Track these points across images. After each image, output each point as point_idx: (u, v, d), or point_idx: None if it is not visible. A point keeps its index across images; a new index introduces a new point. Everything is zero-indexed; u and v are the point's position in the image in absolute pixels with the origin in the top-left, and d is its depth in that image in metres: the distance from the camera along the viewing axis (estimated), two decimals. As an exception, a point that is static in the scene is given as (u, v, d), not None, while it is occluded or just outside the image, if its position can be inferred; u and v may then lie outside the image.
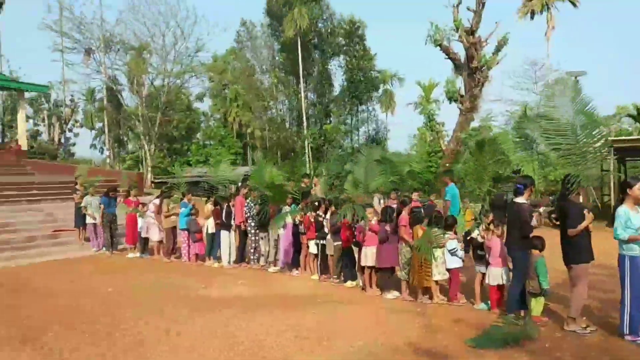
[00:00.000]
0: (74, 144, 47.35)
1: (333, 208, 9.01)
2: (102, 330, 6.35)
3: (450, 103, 27.26)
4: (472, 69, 25.85)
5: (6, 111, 34.88)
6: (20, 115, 24.17)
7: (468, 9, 26.99)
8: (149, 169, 29.69)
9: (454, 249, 7.34)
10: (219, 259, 10.88)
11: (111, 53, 28.99)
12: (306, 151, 32.89)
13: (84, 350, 5.65)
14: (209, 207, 10.92)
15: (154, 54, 31.33)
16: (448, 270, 7.40)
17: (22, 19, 70.68)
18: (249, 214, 10.34)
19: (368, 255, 8.04)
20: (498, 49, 26.09)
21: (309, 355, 5.38)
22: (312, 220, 9.19)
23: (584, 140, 6.18)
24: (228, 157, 38.55)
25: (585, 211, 6.01)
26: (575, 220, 5.91)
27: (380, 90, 41.06)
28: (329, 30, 35.45)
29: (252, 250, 10.55)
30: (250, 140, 47.12)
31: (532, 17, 28.57)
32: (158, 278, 9.63)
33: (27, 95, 38.69)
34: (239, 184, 11.25)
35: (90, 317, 6.98)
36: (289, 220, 9.74)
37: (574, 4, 26.82)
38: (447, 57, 27.16)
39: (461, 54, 26.78)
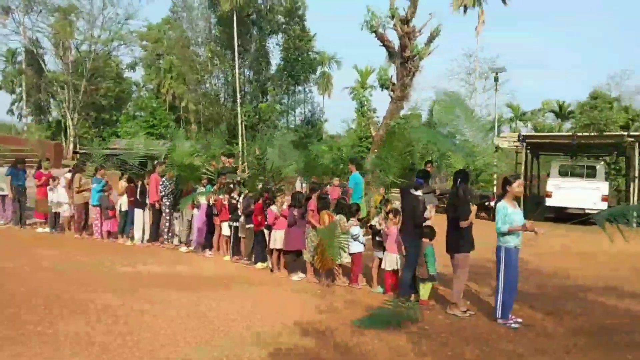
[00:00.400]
0: (-3, 106, 44.39)
1: (247, 191, 9.13)
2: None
3: (382, 90, 27.84)
4: (404, 58, 26.50)
5: None
6: None
7: (404, -4, 27.57)
8: (71, 139, 28.36)
9: (356, 234, 7.69)
10: (132, 237, 10.74)
11: (32, 14, 27.13)
12: (239, 129, 32.61)
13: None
14: (123, 183, 10.72)
15: (80, 18, 29.71)
16: (351, 254, 7.76)
17: None
18: (163, 193, 10.25)
19: (277, 239, 8.28)
20: (430, 40, 26.82)
21: (194, 336, 5.48)
22: (225, 202, 9.27)
23: (471, 140, 6.69)
24: (147, 130, 37.46)
25: (473, 206, 6.50)
26: (463, 212, 6.38)
27: (318, 72, 41.25)
28: (268, 7, 35.03)
29: (165, 230, 10.50)
30: (184, 113, 46.04)
31: (465, 11, 29.58)
32: (63, 254, 9.39)
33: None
34: (155, 161, 11.06)
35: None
36: (203, 200, 9.77)
37: (504, 2, 28.07)
38: (381, 44, 27.66)
39: (395, 42, 27.40)
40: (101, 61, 37.29)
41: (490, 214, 16.59)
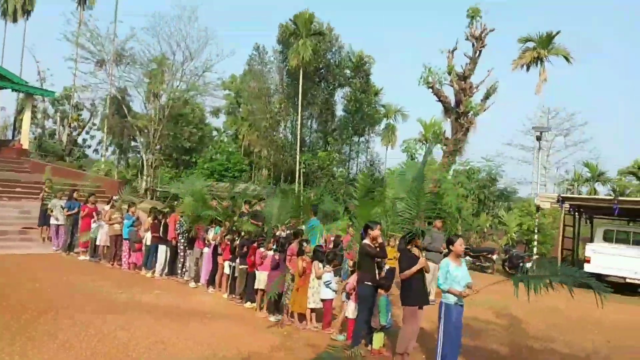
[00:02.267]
0: (89, 146, 49.39)
1: (243, 234, 9.86)
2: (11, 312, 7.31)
3: (435, 144, 28.03)
4: (459, 114, 26.73)
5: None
6: (26, 117, 25.81)
7: (465, 55, 28.05)
8: (144, 177, 31.02)
9: (327, 281, 8.10)
10: (153, 270, 11.78)
11: (121, 65, 30.64)
12: (296, 175, 33.92)
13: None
14: (149, 220, 11.88)
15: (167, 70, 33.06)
16: (322, 300, 8.16)
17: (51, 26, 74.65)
18: (179, 231, 11.26)
19: (261, 280, 8.88)
20: (486, 97, 26.97)
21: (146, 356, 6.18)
22: (227, 243, 10.05)
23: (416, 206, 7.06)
24: (222, 172, 39.72)
25: (422, 259, 6.73)
26: (404, 267, 6.65)
27: (383, 124, 42.08)
28: (336, 63, 36.77)
29: (180, 265, 11.44)
30: (257, 159, 48.50)
31: (527, 69, 29.31)
32: (85, 280, 10.55)
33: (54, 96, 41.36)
34: (174, 202, 12.17)
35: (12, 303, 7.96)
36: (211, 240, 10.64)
37: (567, 60, 27.51)
38: (438, 99, 28.12)
39: (452, 98, 27.74)
40: (177, 109, 40.93)
41: (492, 267, 16.12)
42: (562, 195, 16.39)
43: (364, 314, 7.07)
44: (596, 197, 19.95)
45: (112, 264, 12.67)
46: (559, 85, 70.81)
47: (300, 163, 33.61)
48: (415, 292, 6.67)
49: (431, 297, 11.52)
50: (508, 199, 23.79)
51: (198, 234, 10.90)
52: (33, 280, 10.11)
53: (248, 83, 44.48)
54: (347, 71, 37.58)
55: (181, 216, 11.38)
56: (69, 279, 10.59)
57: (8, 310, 7.71)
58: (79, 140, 46.36)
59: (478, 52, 27.56)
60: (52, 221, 14.28)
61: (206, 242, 10.71)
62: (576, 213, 19.45)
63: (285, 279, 8.51)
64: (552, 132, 35.86)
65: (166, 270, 11.65)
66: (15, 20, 35.87)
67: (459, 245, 6.46)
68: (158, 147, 37.78)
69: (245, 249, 9.46)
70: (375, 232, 6.95)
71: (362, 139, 38.50)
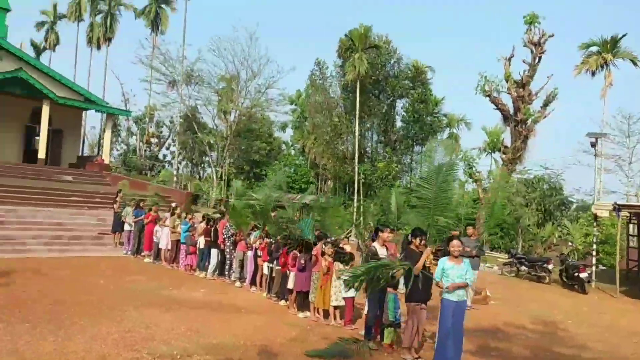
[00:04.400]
0: (169, 162, 53.07)
1: (279, 238, 10.70)
2: (67, 304, 8.61)
3: (493, 153, 27.62)
4: (517, 122, 26.23)
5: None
6: (107, 135, 28.53)
7: (524, 61, 27.53)
8: (214, 189, 33.02)
9: (348, 280, 8.71)
10: (206, 271, 12.94)
11: (191, 85, 33.02)
12: (355, 185, 34.59)
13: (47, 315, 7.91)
14: (202, 225, 13.07)
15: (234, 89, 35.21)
16: (344, 298, 8.78)
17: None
18: (226, 235, 12.33)
19: (291, 280, 9.66)
20: (546, 104, 26.25)
21: (175, 343, 7.13)
22: (264, 246, 10.95)
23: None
24: (289, 184, 41.21)
25: (425, 255, 7.17)
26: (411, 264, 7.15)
27: (443, 134, 41.81)
28: (395, 73, 37.23)
29: (227, 267, 12.49)
30: (323, 170, 49.81)
31: (593, 75, 28.23)
32: (144, 280, 11.84)
33: (134, 115, 45.27)
34: (223, 209, 13.27)
35: (65, 296, 9.32)
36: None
37: (635, 63, 26.23)
38: (495, 107, 27.73)
39: (510, 105, 27.26)
40: (257, 124, 43.24)
41: (581, 285, 15.67)
42: (617, 203, 15.84)
43: (372, 310, 7.63)
44: (654, 204, 18.90)
45: (172, 266, 14.00)
46: (622, 88, 66.37)
47: (359, 174, 34.28)
48: (417, 289, 7.12)
49: (469, 303, 11.81)
50: (568, 208, 22.99)
51: (240, 238, 11.89)
52: (98, 277, 11.55)
53: (311, 97, 45.92)
54: (407, 82, 37.94)
55: (229, 222, 12.46)
56: (130, 278, 11.95)
57: (66, 300, 9.04)
58: (160, 156, 50.04)
59: (537, 58, 26.94)
60: (126, 227, 15.95)
61: (247, 245, 11.67)
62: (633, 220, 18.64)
63: (311, 278, 9.24)
64: (634, 139, 33.95)
65: (217, 272, 12.75)
66: (99, 47, 39.68)
67: (452, 246, 6.90)
68: (229, 160, 40.15)
69: (279, 252, 10.29)
70: (384, 234, 7.51)
71: (423, 149, 38.63)
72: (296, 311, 9.53)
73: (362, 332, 8.20)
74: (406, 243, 7.45)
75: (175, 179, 32.11)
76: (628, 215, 17.65)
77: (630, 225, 19.14)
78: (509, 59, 27.49)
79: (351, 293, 8.71)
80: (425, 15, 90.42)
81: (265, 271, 11.04)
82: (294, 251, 9.65)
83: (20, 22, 68.47)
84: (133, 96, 53.02)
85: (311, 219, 9.46)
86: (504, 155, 26.90)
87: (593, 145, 17.32)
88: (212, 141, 34.57)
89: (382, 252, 7.72)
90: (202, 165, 43.50)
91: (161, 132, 50.02)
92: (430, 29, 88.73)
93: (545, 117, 26.12)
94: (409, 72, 37.62)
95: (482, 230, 24.12)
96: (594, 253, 17.49)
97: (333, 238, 11.34)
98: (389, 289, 7.60)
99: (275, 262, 10.49)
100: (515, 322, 10.41)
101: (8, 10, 27.79)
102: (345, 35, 35.14)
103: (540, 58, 27.12)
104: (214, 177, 34.25)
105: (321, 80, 42.15)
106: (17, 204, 17.69)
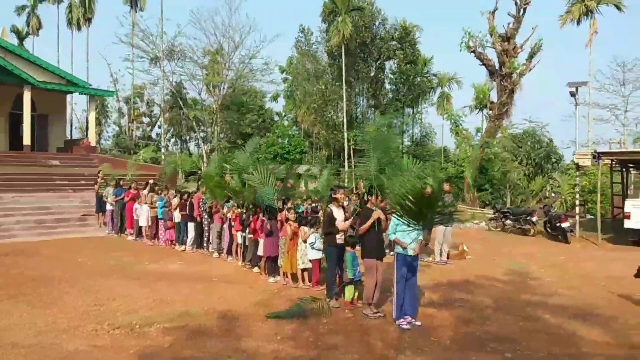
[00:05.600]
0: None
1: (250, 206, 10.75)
2: (42, 280, 8.77)
3: (480, 110, 27.45)
4: (503, 76, 25.96)
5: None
6: (91, 116, 28.36)
7: (508, 14, 27.06)
8: (204, 165, 33.10)
9: (312, 242, 8.80)
10: (185, 244, 13.07)
11: (173, 61, 32.67)
12: (345, 152, 34.53)
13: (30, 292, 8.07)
14: (175, 200, 13.14)
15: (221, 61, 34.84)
16: (310, 260, 8.89)
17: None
18: (203, 208, 12.40)
19: (260, 246, 9.76)
20: (531, 56, 25.96)
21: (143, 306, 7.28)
22: (236, 216, 11.01)
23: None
24: (284, 155, 41.21)
25: (375, 214, 7.21)
26: (362, 222, 7.21)
27: (434, 94, 41.46)
28: (380, 36, 36.63)
29: (205, 239, 12.61)
30: (315, 140, 49.64)
31: (578, 23, 27.74)
32: (122, 256, 11.96)
33: (123, 95, 45.04)
34: (198, 182, 13.31)
35: (42, 274, 9.49)
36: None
37: (618, 8, 25.69)
38: (481, 63, 27.42)
39: (495, 60, 26.94)
40: (247, 96, 42.89)
41: (564, 235, 15.78)
42: (596, 150, 15.78)
43: (330, 269, 7.75)
44: (633, 149, 18.77)
45: (153, 242, 14.14)
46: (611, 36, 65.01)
47: (349, 140, 34.18)
48: (372, 246, 7.20)
49: (443, 258, 11.94)
50: (559, 161, 22.89)
51: (217, 209, 11.95)
52: (77, 256, 11.70)
53: (298, 65, 45.38)
54: (394, 43, 37.37)
55: (204, 194, 12.51)
56: (109, 255, 12.08)
57: (42, 277, 9.20)
58: (153, 135, 49.92)
59: (522, 10, 26.48)
60: (108, 207, 16.05)
61: (222, 216, 11.74)
62: (624, 169, 18.56)
63: (279, 243, 9.34)
64: (629, 87, 33.45)
65: (196, 245, 12.88)
66: (79, 28, 39.11)
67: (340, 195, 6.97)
68: (222, 135, 40.02)
69: (249, 220, 10.36)
70: (338, 195, 7.55)
71: (416, 110, 38.34)
72: (267, 277, 9.66)
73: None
74: (363, 201, 7.49)
75: (162, 156, 32.10)
76: (610, 162, 17.57)
77: (614, 173, 19.10)
78: (493, 13, 27.07)
79: (316, 255, 8.84)
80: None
81: (239, 240, 11.15)
82: (261, 217, 9.71)
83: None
84: (121, 76, 52.80)
85: (269, 187, 9.46)
86: (490, 111, 26.78)
87: (573, 94, 17.09)
88: (199, 116, 34.37)
89: (338, 214, 7.76)
90: (191, 141, 43.46)
91: (152, 110, 49.82)
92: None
93: (530, 69, 25.85)
94: (396, 32, 37.02)
95: (470, 187, 24.36)
96: (577, 202, 17.52)
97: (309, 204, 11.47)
98: (347, 248, 7.69)
99: (247, 231, 10.58)
100: (487, 275, 10.50)
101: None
102: (328, -2, 34.48)
103: (524, 10, 26.65)
104: (203, 152, 34.23)
105: (307, 47, 41.58)
106: (1, 192, 17.75)
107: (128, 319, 6.86)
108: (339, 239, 7.75)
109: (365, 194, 7.45)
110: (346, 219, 7.77)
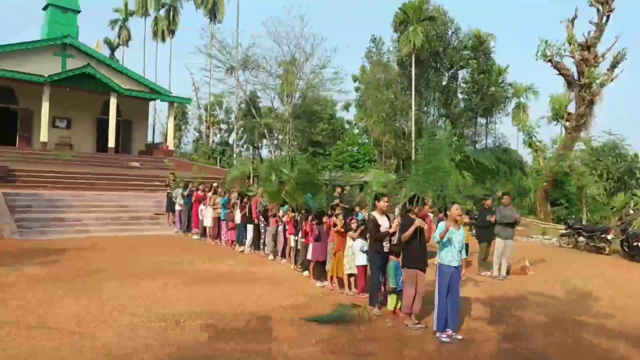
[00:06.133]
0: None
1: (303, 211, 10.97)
2: (101, 274, 9.48)
3: (557, 121, 26.12)
4: (581, 86, 24.59)
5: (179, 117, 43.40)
6: (170, 122, 30.12)
7: (590, 22, 25.64)
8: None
9: (360, 248, 8.83)
10: (244, 245, 13.54)
11: (247, 71, 33.88)
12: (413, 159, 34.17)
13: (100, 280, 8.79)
14: (234, 195, 13.71)
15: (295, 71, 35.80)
16: (357, 266, 8.92)
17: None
18: (259, 210, 12.80)
19: (309, 250, 9.94)
20: (614, 65, 24.38)
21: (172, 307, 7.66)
22: (290, 219, 11.28)
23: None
24: (352, 163, 41.43)
25: (417, 220, 7.12)
26: (403, 231, 7.16)
27: (509, 104, 40.00)
28: (454, 45, 35.97)
29: (262, 241, 12.99)
30: (385, 148, 49.50)
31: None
32: (180, 254, 12.56)
33: (204, 103, 47.38)
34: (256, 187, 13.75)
35: (104, 267, 10.24)
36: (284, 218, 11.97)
37: None
38: (558, 73, 26.11)
39: (574, 70, 25.56)
40: (319, 105, 43.82)
41: (638, 254, 14.70)
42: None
43: (373, 276, 7.74)
44: None
45: (215, 242, 14.77)
46: None
47: (416, 149, 33.79)
48: (413, 256, 7.12)
49: (502, 273, 11.51)
50: (636, 177, 21.26)
51: (272, 213, 12.30)
52: (140, 252, 12.47)
53: (370, 75, 45.47)
54: (467, 52, 36.57)
55: (262, 197, 12.92)
56: (169, 252, 12.73)
57: (102, 270, 9.93)
58: (230, 141, 52.02)
59: (605, 17, 24.98)
60: (176, 207, 16.97)
61: (277, 219, 12.06)
62: None
63: (327, 248, 9.47)
64: None
65: (253, 246, 13.31)
66: (163, 40, 41.67)
67: (454, 209, 6.81)
68: (294, 143, 41.01)
69: (302, 223, 10.58)
70: (380, 203, 7.56)
71: (490, 120, 37.15)
72: (315, 281, 9.81)
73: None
74: (404, 210, 7.45)
75: (234, 162, 33.35)
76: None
77: None
78: (572, 21, 25.76)
79: (363, 261, 8.85)
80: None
81: (292, 244, 11.39)
82: (311, 222, 9.90)
83: (94, 21, 73.22)
84: (202, 85, 55.44)
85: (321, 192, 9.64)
86: (567, 123, 25.40)
87: None
88: (271, 124, 35.43)
89: (382, 221, 7.76)
90: (263, 147, 44.83)
91: (229, 118, 51.89)
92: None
93: (612, 79, 24.26)
94: (469, 41, 36.21)
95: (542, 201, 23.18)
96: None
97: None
98: (390, 256, 7.67)
99: (300, 235, 10.81)
100: (545, 292, 10.01)
101: (78, 11, 29.93)
102: (399, 8, 34.36)
103: (608, 17, 25.12)
104: (273, 158, 35.27)
105: (378, 56, 41.63)
106: (85, 190, 19.30)
107: (161, 313, 7.13)
108: (384, 246, 7.75)
109: (407, 203, 7.40)
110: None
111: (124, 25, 47.54)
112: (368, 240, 8.09)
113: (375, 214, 7.78)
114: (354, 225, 8.93)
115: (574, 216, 21.95)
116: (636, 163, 21.92)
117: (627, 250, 15.63)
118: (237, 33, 34.18)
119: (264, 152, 45.16)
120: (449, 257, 6.71)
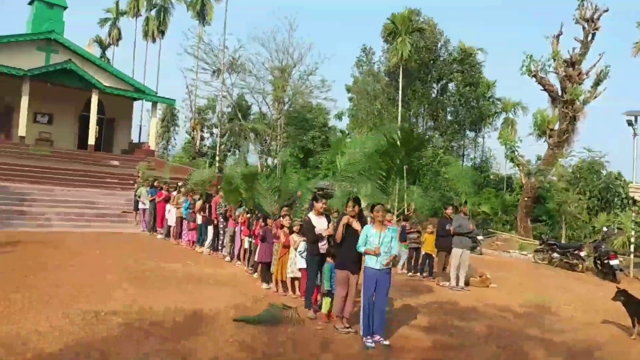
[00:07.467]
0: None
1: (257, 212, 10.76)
2: (59, 269, 9.21)
3: (540, 137, 26.04)
4: (564, 103, 24.55)
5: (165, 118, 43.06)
6: (152, 122, 29.93)
7: (575, 39, 25.65)
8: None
9: (301, 251, 8.60)
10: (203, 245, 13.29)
11: (234, 74, 33.82)
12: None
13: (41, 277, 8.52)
14: (199, 203, 13.41)
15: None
16: (299, 269, 8.68)
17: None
18: (219, 212, 12.57)
19: (257, 251, 9.71)
20: (597, 83, 24.37)
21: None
22: (244, 220, 11.05)
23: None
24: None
25: (345, 217, 6.90)
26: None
27: (498, 118, 39.91)
28: (443, 57, 35.97)
29: (220, 242, 12.75)
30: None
31: (653, 51, 25.71)
32: (136, 252, 12.28)
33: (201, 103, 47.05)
34: (218, 187, 13.53)
35: (60, 262, 9.98)
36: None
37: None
38: (542, 88, 26.08)
39: (558, 86, 25.53)
40: (313, 112, 43.72)
41: (612, 273, 14.52)
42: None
43: (310, 279, 7.52)
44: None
45: (177, 241, 14.50)
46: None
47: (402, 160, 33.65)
48: (345, 257, 6.89)
49: (460, 284, 11.27)
50: (621, 196, 21.04)
51: (231, 214, 12.07)
52: (98, 249, 12.19)
53: (360, 85, 45.47)
54: (455, 65, 36.56)
55: (221, 198, 12.69)
56: (126, 250, 12.44)
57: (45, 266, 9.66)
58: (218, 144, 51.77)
59: (590, 35, 25.01)
60: (140, 206, 16.71)
61: (234, 220, 11.83)
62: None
63: (272, 250, 9.23)
64: None
65: (212, 247, 13.05)
66: (153, 40, 41.57)
67: (376, 211, 6.60)
68: (280, 149, 40.87)
69: (254, 226, 10.36)
70: (318, 204, 7.36)
71: (478, 134, 37.05)
72: (261, 282, 9.56)
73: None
74: (341, 214, 7.25)
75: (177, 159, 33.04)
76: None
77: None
78: (557, 37, 25.80)
79: (304, 264, 8.61)
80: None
81: (246, 245, 11.16)
82: (259, 222, 9.68)
83: (88, 20, 72.97)
84: (195, 87, 55.18)
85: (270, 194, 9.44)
86: (550, 139, 25.31)
87: (630, 124, 15.79)
88: (258, 129, 35.30)
89: (318, 222, 7.55)
90: (250, 152, 44.67)
91: (221, 121, 51.75)
92: (479, 13, 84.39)
93: (595, 97, 24.25)
94: (457, 55, 36.26)
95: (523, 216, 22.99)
96: (632, 239, 16.06)
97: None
98: (327, 258, 7.45)
99: (252, 236, 10.58)
100: (501, 305, 9.79)
101: (65, 7, 29.74)
102: (388, 19, 34.36)
103: (593, 35, 25.17)
104: (258, 163, 35.07)
105: (367, 66, 41.59)
106: (55, 185, 19.03)
107: (96, 308, 6.92)
108: (321, 248, 7.53)
109: (347, 203, 7.18)
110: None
111: (115, 25, 47.39)
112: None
113: (311, 215, 7.57)
114: (295, 228, 8.73)
115: (550, 233, 21.77)
116: (619, 182, 21.75)
117: (599, 267, 15.48)
118: (224, 36, 34.07)
119: (253, 157, 45.11)
120: (373, 259, 6.49)
